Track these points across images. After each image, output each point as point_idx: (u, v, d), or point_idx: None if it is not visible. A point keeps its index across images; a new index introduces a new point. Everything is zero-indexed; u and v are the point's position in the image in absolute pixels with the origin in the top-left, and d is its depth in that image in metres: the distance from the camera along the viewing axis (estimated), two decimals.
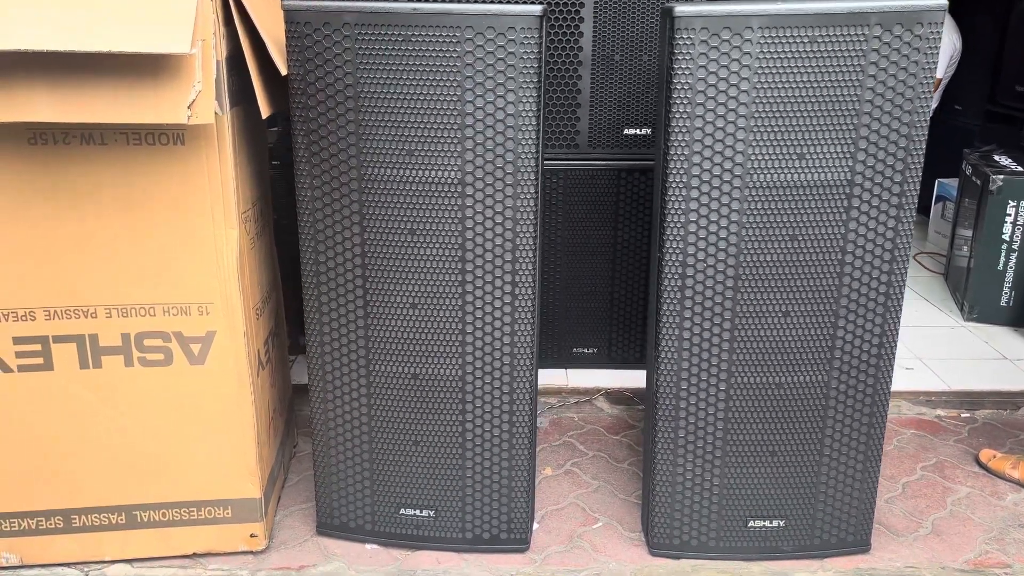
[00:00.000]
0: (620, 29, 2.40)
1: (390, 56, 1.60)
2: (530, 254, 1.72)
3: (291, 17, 1.60)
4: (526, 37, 1.58)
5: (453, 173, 1.67)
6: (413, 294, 1.75)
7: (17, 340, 1.72)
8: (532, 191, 1.67)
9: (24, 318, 1.71)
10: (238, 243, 1.73)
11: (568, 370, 2.72)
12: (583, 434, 2.44)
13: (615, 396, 2.60)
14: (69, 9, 1.44)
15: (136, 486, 1.83)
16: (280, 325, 2.15)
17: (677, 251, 1.68)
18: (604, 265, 2.62)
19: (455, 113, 1.63)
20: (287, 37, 1.61)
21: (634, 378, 2.67)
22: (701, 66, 1.57)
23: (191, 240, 1.70)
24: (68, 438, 1.79)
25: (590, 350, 2.71)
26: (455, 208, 1.69)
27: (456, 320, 1.76)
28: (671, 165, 1.63)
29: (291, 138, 1.68)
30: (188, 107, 1.50)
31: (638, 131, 2.49)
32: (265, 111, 1.69)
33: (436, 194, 1.68)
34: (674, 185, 1.64)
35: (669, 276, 1.70)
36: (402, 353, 1.79)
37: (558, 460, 2.30)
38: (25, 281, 1.69)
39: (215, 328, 1.76)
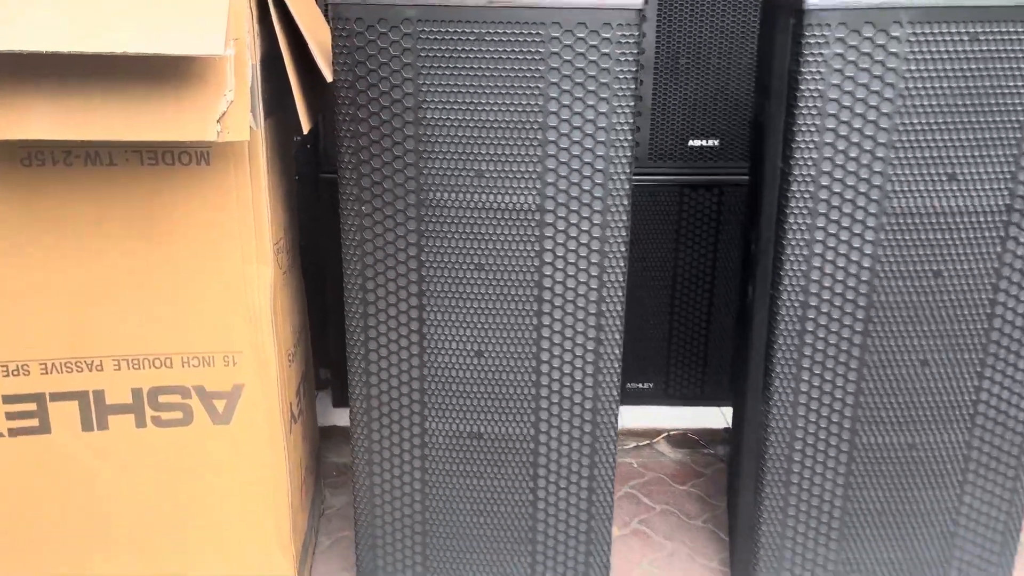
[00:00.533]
0: (687, 28, 2.13)
1: (458, 59, 1.33)
2: (619, 292, 1.45)
3: (339, 12, 1.33)
4: (624, 35, 1.31)
5: (531, 198, 1.40)
6: (479, 340, 1.48)
7: (8, 399, 1.43)
8: (624, 219, 1.41)
9: (16, 372, 1.43)
10: (272, 281, 1.45)
11: (620, 407, 2.45)
12: (646, 484, 2.17)
13: (677, 439, 2.34)
14: (74, 4, 1.17)
15: (150, 566, 1.55)
16: (309, 368, 1.88)
17: (797, 288, 1.42)
18: (663, 291, 2.35)
19: (535, 127, 1.36)
20: (334, 36, 1.34)
21: (695, 417, 2.40)
22: (836, 70, 1.31)
23: (216, 278, 1.42)
24: (69, 512, 1.50)
25: (645, 385, 2.44)
26: (532, 239, 1.41)
27: (529, 371, 1.49)
28: (793, 188, 1.37)
29: (337, 155, 1.41)
30: (217, 121, 1.23)
31: (704, 143, 2.22)
32: (306, 124, 1.42)
33: (509, 222, 1.41)
34: (797, 212, 1.38)
35: (786, 318, 1.43)
36: (464, 409, 1.52)
37: (623, 517, 2.03)
38: (17, 329, 1.41)
39: (243, 381, 1.48)
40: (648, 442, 2.32)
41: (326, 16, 1.86)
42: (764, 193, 1.48)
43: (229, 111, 1.23)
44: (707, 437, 2.34)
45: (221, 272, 1.42)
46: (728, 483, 2.03)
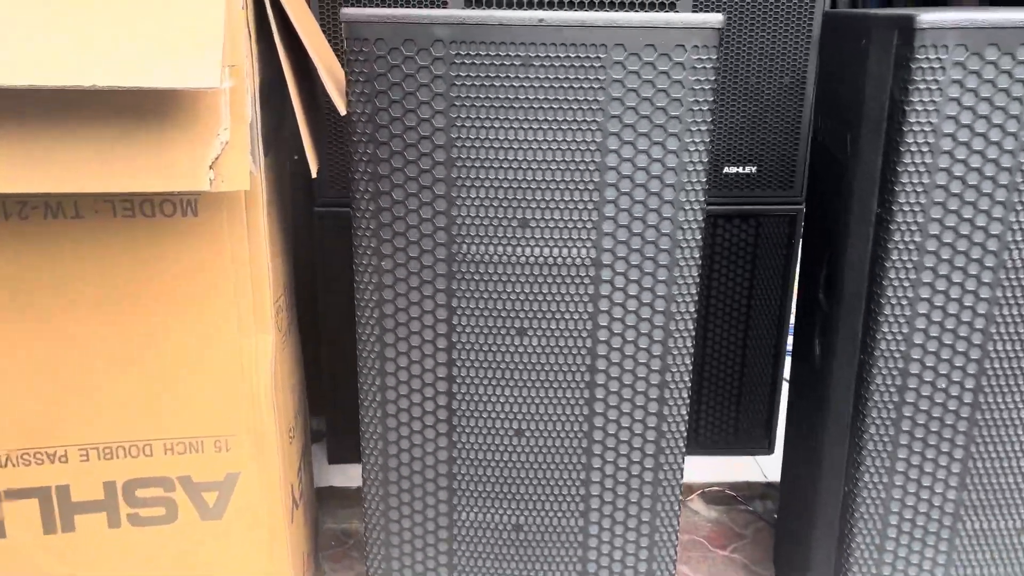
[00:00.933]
0: (722, 46, 1.92)
1: (500, 88, 1.11)
2: (686, 360, 1.23)
3: (356, 32, 1.10)
4: (699, 59, 1.10)
5: (584, 251, 1.17)
6: (519, 416, 1.25)
7: None
8: (694, 274, 1.19)
9: None
10: (272, 350, 1.22)
11: None
12: (683, 550, 1.95)
13: (711, 495, 2.12)
14: (40, 26, 0.93)
15: None
16: (308, 438, 1.64)
17: (896, 354, 1.20)
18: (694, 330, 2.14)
19: (591, 168, 1.14)
20: (350, 61, 1.11)
21: (727, 468, 2.19)
22: (952, 99, 1.10)
23: (205, 350, 1.19)
24: None
25: None
26: (584, 298, 1.19)
27: (579, 452, 1.26)
28: (896, 238, 1.16)
29: (352, 200, 1.18)
30: (210, 166, 0.99)
31: (740, 169, 2.02)
32: (314, 166, 1.19)
33: (559, 280, 1.19)
34: (899, 266, 1.17)
35: (881, 388, 1.22)
36: (500, 496, 1.29)
37: None
38: None
39: (238, 469, 1.25)
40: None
41: (332, 37, 1.63)
42: (848, 240, 1.27)
43: (224, 154, 1.00)
44: (744, 491, 2.12)
45: (212, 343, 1.18)
46: (776, 549, 1.82)
